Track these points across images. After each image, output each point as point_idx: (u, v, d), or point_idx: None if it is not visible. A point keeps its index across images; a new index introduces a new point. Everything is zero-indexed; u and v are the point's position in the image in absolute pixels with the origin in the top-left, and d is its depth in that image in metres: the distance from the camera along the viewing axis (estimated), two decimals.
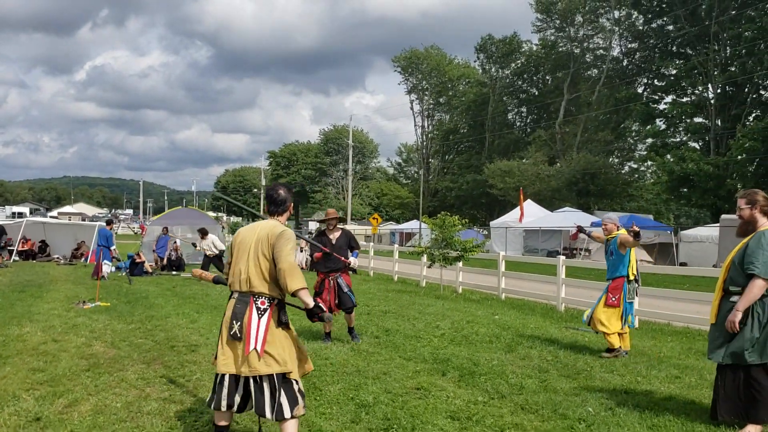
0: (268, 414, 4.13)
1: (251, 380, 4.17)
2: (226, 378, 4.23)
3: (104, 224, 19.97)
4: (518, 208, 37.31)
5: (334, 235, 8.72)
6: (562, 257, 13.99)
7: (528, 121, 70.12)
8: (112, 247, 17.42)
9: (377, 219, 43.87)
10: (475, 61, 70.64)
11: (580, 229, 9.49)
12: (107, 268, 18.12)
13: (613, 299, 8.01)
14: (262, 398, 4.15)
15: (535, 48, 64.63)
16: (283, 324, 4.31)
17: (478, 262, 19.11)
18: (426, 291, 16.50)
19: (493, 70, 68.06)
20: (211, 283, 5.05)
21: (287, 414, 4.14)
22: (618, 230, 8.34)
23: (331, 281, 8.56)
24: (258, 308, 4.22)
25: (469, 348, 8.33)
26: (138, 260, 19.50)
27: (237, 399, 4.27)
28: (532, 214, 36.77)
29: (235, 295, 4.31)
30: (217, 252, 19.30)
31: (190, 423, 5.04)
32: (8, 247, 24.74)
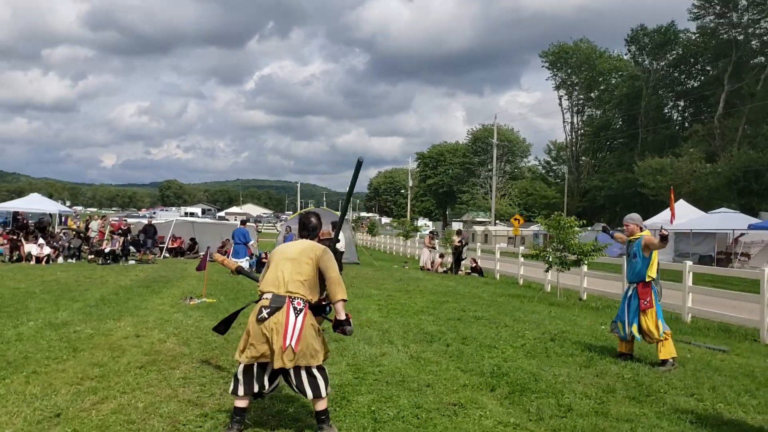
0: (309, 394, 4.70)
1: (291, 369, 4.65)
2: (255, 367, 4.70)
3: (239, 224, 21.51)
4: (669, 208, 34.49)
5: None
6: (689, 262, 12.64)
7: (685, 115, 65.01)
8: (251, 242, 18.89)
9: (519, 220, 42.60)
10: (626, 54, 66.54)
11: (605, 229, 9.21)
12: (246, 263, 19.46)
13: (645, 302, 7.66)
14: (301, 382, 4.69)
15: (693, 36, 59.75)
16: (313, 321, 4.77)
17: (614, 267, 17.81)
18: (544, 296, 15.59)
19: (646, 62, 63.73)
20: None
21: (323, 393, 4.73)
22: (641, 231, 7.91)
23: None
24: (294, 308, 4.62)
25: (542, 361, 7.62)
26: (264, 259, 20.21)
27: (265, 383, 4.77)
28: (684, 215, 33.84)
29: (269, 295, 4.68)
30: (344, 249, 19.48)
31: (192, 428, 4.92)
32: (159, 245, 26.73)
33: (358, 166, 5.40)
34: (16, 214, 30.54)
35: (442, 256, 25.25)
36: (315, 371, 4.73)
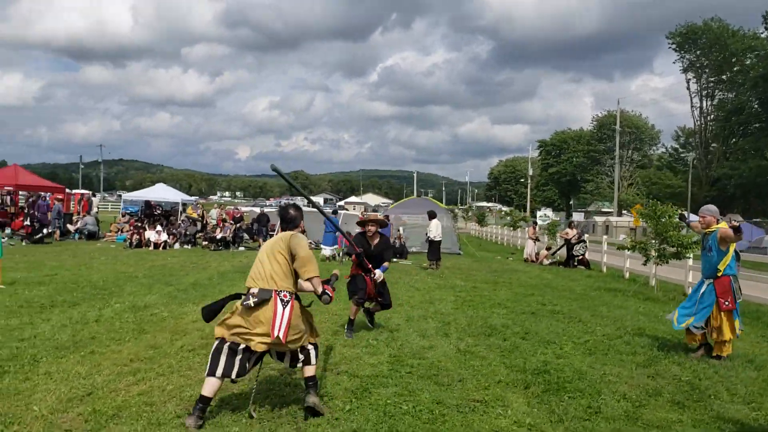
0: (299, 363, 5.02)
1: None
2: (240, 349, 4.78)
3: (332, 213, 22.17)
4: None
5: (374, 242, 8.39)
6: None
7: None
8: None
9: (640, 210, 40.30)
10: (763, 32, 60.63)
11: (681, 217, 8.67)
12: (330, 251, 21.06)
13: (727, 303, 7.13)
14: (291, 358, 5.02)
15: None
16: (298, 310, 4.93)
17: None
18: (641, 291, 14.65)
19: None
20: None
21: (314, 361, 5.04)
22: (718, 224, 7.35)
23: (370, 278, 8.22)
24: (282, 300, 4.74)
25: (598, 359, 7.16)
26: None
27: (248, 366, 4.88)
28: None
29: (255, 290, 4.79)
30: (440, 239, 19.29)
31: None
32: (270, 233, 27.75)
33: (277, 172, 5.84)
34: (147, 203, 32.82)
35: (548, 248, 24.39)
36: (308, 347, 5.03)
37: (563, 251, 22.97)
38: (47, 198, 25.92)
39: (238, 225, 24.75)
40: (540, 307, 10.96)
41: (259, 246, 24.07)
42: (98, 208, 36.83)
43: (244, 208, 36.51)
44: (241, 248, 23.86)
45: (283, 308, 4.71)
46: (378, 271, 8.14)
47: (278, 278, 4.81)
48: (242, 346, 4.77)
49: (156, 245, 22.89)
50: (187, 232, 24.80)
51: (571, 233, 22.06)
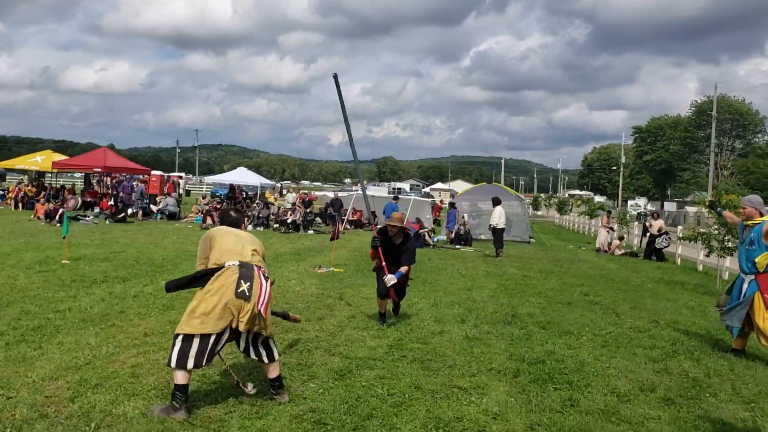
0: (265, 359, 4.89)
1: (249, 334, 4.79)
2: (212, 337, 4.63)
3: (392, 200, 22.33)
4: None
5: (396, 241, 7.99)
6: None
7: None
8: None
9: (731, 200, 38.09)
10: None
11: (711, 204, 8.46)
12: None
13: None
14: (259, 350, 4.89)
15: None
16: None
17: None
18: (702, 284, 13.90)
19: None
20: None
21: (276, 356, 4.98)
22: (762, 216, 6.81)
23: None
24: (264, 275, 4.83)
25: (610, 351, 6.92)
26: (421, 230, 20.40)
27: (216, 349, 4.77)
28: None
29: (235, 262, 4.76)
30: (503, 226, 18.96)
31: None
32: (343, 217, 28.16)
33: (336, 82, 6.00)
34: (232, 186, 34.07)
35: (621, 238, 23.50)
36: (269, 341, 4.94)
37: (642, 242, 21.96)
38: (131, 179, 27.35)
39: (308, 209, 25.21)
40: (580, 298, 10.64)
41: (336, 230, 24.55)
42: (185, 190, 38.64)
43: (317, 193, 37.16)
44: (310, 232, 24.32)
45: (266, 281, 4.78)
46: (390, 276, 7.58)
47: (259, 259, 4.96)
48: (213, 337, 4.61)
49: None
50: (260, 215, 25.52)
51: (656, 225, 20.99)
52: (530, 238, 25.62)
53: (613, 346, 7.14)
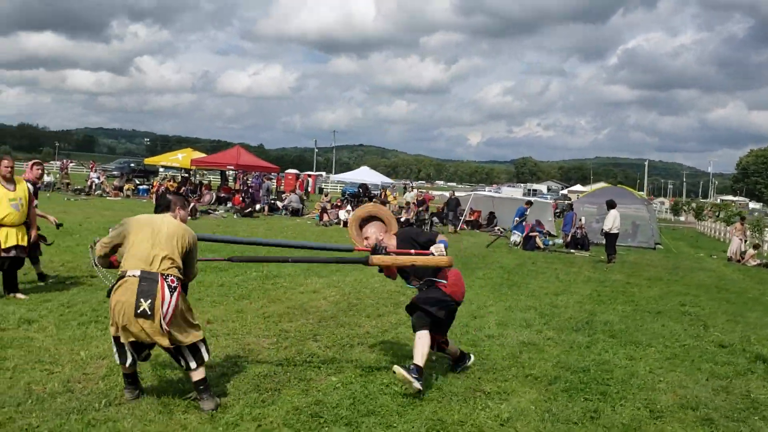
0: (192, 365, 4.55)
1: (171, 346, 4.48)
2: (127, 345, 4.47)
3: (523, 204, 22.03)
4: None
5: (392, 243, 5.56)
6: None
7: None
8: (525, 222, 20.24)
9: None
10: None
11: None
12: (516, 238, 20.40)
13: None
14: (182, 357, 4.56)
15: None
16: (184, 298, 4.61)
17: None
18: None
19: None
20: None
21: (206, 358, 4.68)
22: None
23: None
24: (169, 286, 4.36)
25: (670, 364, 6.48)
26: (532, 234, 19.89)
27: (147, 352, 4.73)
28: None
29: (137, 272, 4.33)
30: (617, 231, 18.08)
31: (177, 377, 5.47)
32: (459, 217, 28.03)
33: None
34: (364, 185, 34.96)
35: (756, 246, 21.58)
36: (197, 346, 4.60)
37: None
38: (259, 176, 28.83)
39: (421, 208, 25.34)
40: (674, 307, 9.99)
41: (454, 231, 24.54)
42: (318, 188, 40.12)
43: (435, 193, 37.16)
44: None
45: (171, 294, 4.36)
46: (436, 246, 5.21)
47: (169, 263, 4.45)
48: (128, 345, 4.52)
49: (345, 224, 24.34)
50: None
51: None
52: (656, 244, 24.15)
53: (678, 360, 6.65)
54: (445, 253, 5.11)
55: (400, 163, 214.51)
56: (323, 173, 68.02)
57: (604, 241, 18.01)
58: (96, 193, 31.70)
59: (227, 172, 33.30)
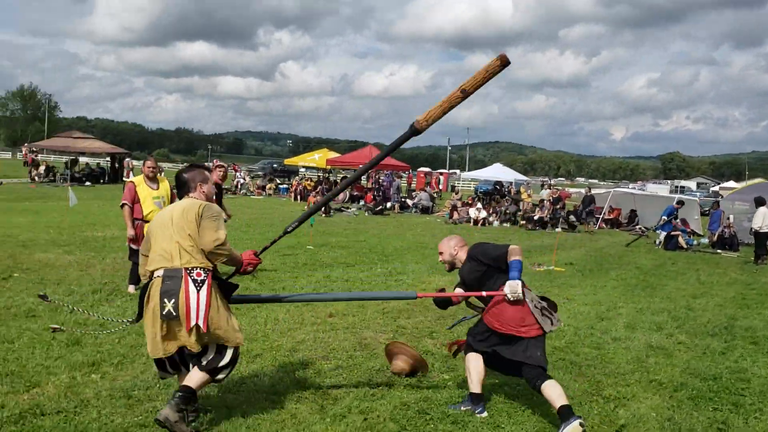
0: (204, 362, 4.02)
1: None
2: (165, 360, 4.06)
3: (675, 203, 20.86)
4: None
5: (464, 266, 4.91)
6: None
7: None
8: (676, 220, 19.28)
9: None
10: None
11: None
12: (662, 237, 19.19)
13: None
14: (203, 354, 4.04)
15: None
16: (218, 293, 4.06)
17: None
18: None
19: None
20: None
21: (223, 373, 4.10)
22: None
23: None
24: (194, 281, 3.87)
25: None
26: (674, 233, 18.73)
27: (185, 365, 4.16)
28: None
29: (161, 272, 3.93)
30: (767, 229, 16.63)
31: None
32: (597, 216, 26.92)
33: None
34: (500, 183, 34.55)
35: None
36: (227, 350, 4.08)
37: None
38: (390, 175, 29.26)
39: (557, 206, 24.60)
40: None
41: (587, 231, 23.68)
42: (448, 186, 40.11)
43: (572, 190, 35.85)
44: (558, 229, 23.70)
45: (198, 290, 3.87)
46: (511, 284, 4.38)
47: (187, 254, 3.94)
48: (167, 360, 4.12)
49: (475, 222, 24.15)
50: (507, 211, 25.57)
51: None
52: None
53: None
54: (519, 293, 4.30)
55: (537, 160, 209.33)
56: (457, 171, 67.99)
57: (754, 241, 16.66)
58: (241, 192, 33.59)
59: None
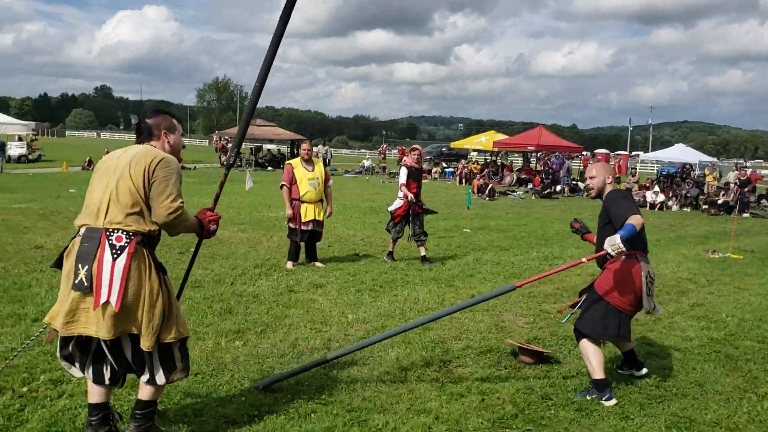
0: (158, 378, 3.31)
1: (105, 343, 3.23)
2: (72, 343, 3.31)
3: None
4: None
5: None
6: None
7: None
8: None
9: None
10: None
11: None
12: None
13: None
14: (146, 364, 3.30)
15: None
16: (150, 270, 3.23)
17: None
18: None
19: None
20: None
21: (160, 380, 3.31)
22: None
23: None
24: (112, 246, 3.13)
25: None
26: None
27: (105, 371, 3.35)
28: None
29: (82, 230, 3.23)
30: None
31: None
32: None
33: None
34: (687, 165, 32.16)
35: None
36: (173, 347, 3.34)
37: None
38: (561, 157, 28.27)
39: (744, 189, 22.38)
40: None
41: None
42: (627, 169, 37.95)
43: (765, 172, 32.28)
44: (746, 215, 21.56)
45: (114, 259, 3.12)
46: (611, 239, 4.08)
47: (115, 209, 3.19)
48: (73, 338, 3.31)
49: (652, 206, 22.66)
50: (688, 194, 23.70)
51: None
52: None
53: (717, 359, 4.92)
54: (621, 246, 3.97)
55: (732, 140, 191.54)
56: (640, 153, 64.18)
57: None
58: None
59: (529, 154, 33.28)
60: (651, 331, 6.22)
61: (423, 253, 9.46)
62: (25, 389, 4.07)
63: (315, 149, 37.56)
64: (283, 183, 8.89)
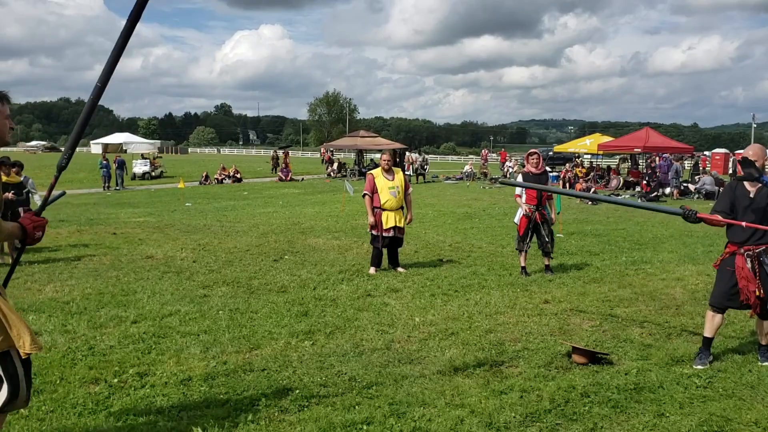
0: None
1: None
2: None
3: None
4: None
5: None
6: None
7: None
8: None
9: None
10: None
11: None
12: None
13: None
14: None
15: None
16: None
17: None
18: None
19: None
20: None
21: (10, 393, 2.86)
22: None
23: None
24: None
25: None
26: None
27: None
28: None
29: None
30: None
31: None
32: None
33: None
34: None
35: None
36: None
37: None
38: (668, 158, 27.14)
39: None
40: None
41: None
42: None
43: None
44: None
45: None
46: None
47: None
48: None
49: None
50: None
51: None
52: None
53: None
54: None
55: None
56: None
57: None
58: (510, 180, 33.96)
59: (636, 156, 32.14)
60: (719, 335, 6.10)
61: (546, 262, 9.37)
62: (115, 380, 4.69)
63: (411, 156, 38.23)
64: (365, 192, 9.34)
